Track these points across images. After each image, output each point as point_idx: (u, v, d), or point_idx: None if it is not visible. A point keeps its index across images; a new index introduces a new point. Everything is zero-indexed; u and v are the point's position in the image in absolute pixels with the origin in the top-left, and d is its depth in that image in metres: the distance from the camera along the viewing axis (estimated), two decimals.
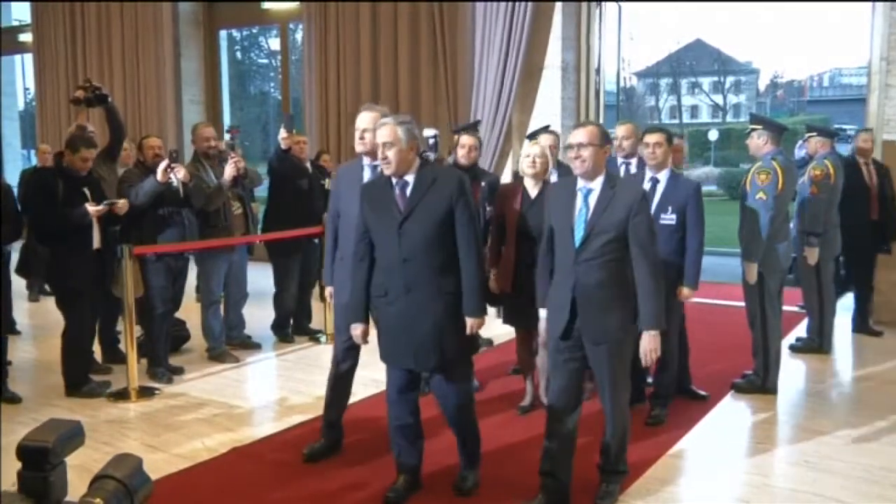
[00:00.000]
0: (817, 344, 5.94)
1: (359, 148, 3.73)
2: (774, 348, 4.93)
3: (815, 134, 6.24)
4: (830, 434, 4.38)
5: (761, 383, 4.95)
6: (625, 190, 3.25)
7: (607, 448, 3.46)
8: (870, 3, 7.00)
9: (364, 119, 3.68)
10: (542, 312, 3.50)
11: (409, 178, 3.29)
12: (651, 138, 4.38)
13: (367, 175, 3.71)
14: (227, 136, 5.76)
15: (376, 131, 3.28)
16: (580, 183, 3.28)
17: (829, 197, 5.77)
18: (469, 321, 3.30)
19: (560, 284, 3.30)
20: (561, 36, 7.88)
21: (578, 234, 3.21)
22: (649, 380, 4.70)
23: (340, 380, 4.04)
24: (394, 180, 3.30)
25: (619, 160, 5.12)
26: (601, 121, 8.38)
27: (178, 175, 5.22)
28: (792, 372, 5.45)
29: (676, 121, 46.41)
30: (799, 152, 6.85)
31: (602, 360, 3.25)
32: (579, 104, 8.12)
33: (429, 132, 5.39)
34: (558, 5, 7.84)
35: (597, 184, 3.24)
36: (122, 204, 5.04)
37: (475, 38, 7.98)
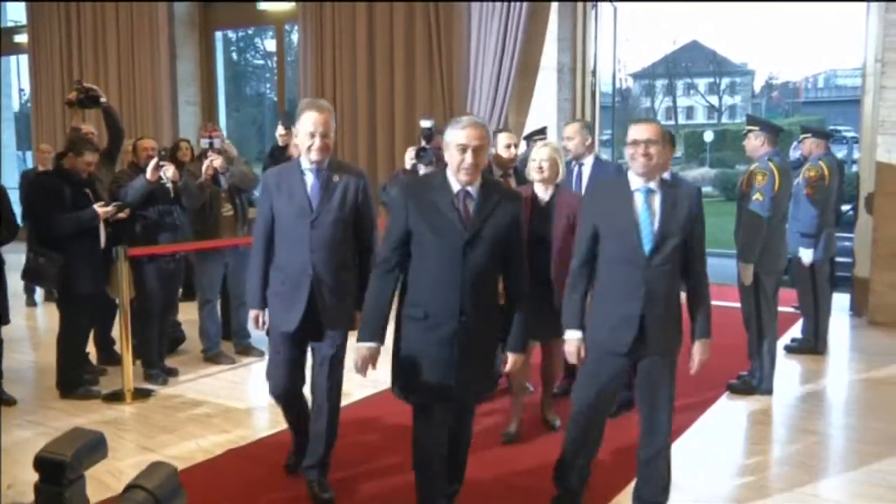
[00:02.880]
0: (812, 345, 5.95)
1: (307, 150, 3.33)
2: (770, 350, 4.94)
3: (809, 135, 6.26)
4: (826, 435, 4.38)
5: (757, 384, 4.96)
6: (680, 189, 3.12)
7: (656, 472, 3.21)
8: (864, 5, 7.01)
9: (317, 120, 3.29)
10: (573, 334, 3.18)
11: (472, 189, 2.91)
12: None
13: (309, 180, 3.36)
14: (204, 139, 5.68)
15: (466, 131, 2.84)
16: (638, 182, 3.06)
17: (823, 198, 5.78)
18: (512, 357, 3.06)
19: (621, 296, 3.02)
20: (557, 37, 7.89)
21: (647, 238, 2.99)
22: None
23: (291, 404, 3.70)
24: (455, 189, 2.90)
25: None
26: (597, 122, 8.39)
27: (168, 174, 5.21)
28: (787, 373, 5.45)
29: (672, 122, 46.47)
30: (794, 153, 6.87)
31: (663, 373, 3.09)
32: (575, 105, 8.12)
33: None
34: (554, 6, 7.85)
35: (655, 184, 3.05)
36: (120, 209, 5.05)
37: (470, 38, 7.98)
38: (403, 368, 2.98)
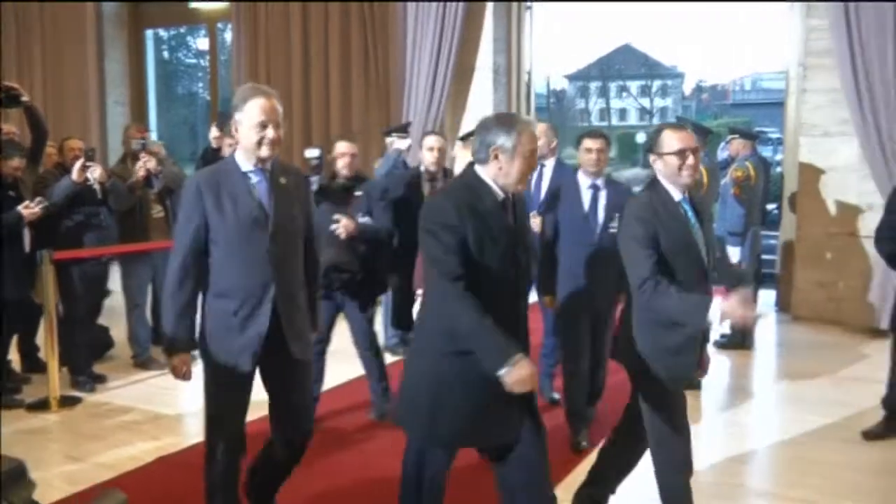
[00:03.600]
0: (740, 340, 6.11)
1: (257, 144, 2.78)
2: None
3: (736, 136, 6.45)
4: (753, 427, 4.51)
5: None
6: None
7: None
8: (788, 11, 7.23)
9: (267, 107, 2.77)
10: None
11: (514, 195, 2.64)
12: (595, 143, 4.17)
13: (255, 181, 2.83)
14: (135, 140, 5.54)
15: (528, 134, 2.52)
16: (680, 194, 2.92)
17: (749, 197, 5.94)
18: None
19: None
20: (493, 38, 7.94)
21: (704, 254, 2.91)
22: (556, 396, 4.78)
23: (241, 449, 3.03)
24: (500, 196, 2.56)
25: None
26: None
27: (95, 174, 5.08)
28: (716, 367, 5.58)
29: (606, 123, 47.24)
30: (721, 154, 7.06)
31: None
32: (510, 106, 8.19)
33: (311, 153, 4.80)
34: (489, 6, 7.90)
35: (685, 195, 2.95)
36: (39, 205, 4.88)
37: (406, 39, 7.98)
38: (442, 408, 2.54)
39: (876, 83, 6.36)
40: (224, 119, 5.79)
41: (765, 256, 7.12)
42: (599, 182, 4.21)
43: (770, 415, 4.81)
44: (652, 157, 2.95)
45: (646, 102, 52.20)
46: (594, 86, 52.08)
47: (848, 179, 6.68)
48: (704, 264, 2.90)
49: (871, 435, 4.25)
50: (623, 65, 51.52)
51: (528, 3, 8.28)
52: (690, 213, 2.93)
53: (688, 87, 55.30)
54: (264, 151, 2.79)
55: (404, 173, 5.22)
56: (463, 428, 2.55)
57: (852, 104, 6.41)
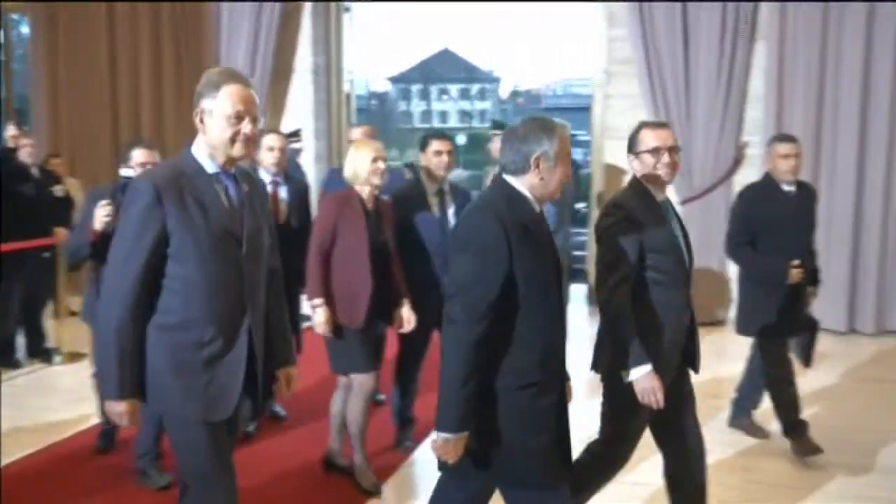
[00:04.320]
0: None
1: (230, 141, 2.33)
2: None
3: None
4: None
5: None
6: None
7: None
8: (594, 20, 7.65)
9: (245, 97, 2.34)
10: (642, 370, 2.72)
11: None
12: (444, 146, 4.04)
13: (225, 185, 2.39)
14: None
15: (566, 138, 2.39)
16: (662, 194, 2.91)
17: (562, 197, 6.22)
18: None
19: (674, 327, 2.85)
20: (311, 39, 7.86)
21: (686, 257, 2.90)
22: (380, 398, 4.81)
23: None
24: (537, 209, 2.40)
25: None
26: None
27: None
28: None
29: (427, 125, 48.05)
30: None
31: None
32: (330, 108, 8.14)
33: (126, 172, 3.81)
34: (307, 7, 7.81)
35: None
36: None
37: (220, 40, 7.73)
38: (504, 449, 2.31)
39: (669, 90, 6.93)
40: (22, 116, 5.38)
41: (576, 253, 7.54)
42: (445, 186, 4.13)
43: (581, 406, 5.07)
44: (630, 157, 2.92)
45: (465, 105, 53.60)
46: (416, 88, 52.87)
47: None
48: (683, 274, 2.88)
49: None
50: (443, 68, 52.68)
51: (347, 4, 8.27)
52: (674, 216, 2.92)
53: (505, 91, 57.37)
54: (238, 150, 2.34)
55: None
56: (543, 466, 2.33)
57: (650, 109, 6.93)
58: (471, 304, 2.21)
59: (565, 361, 2.48)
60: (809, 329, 4.17)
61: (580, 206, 8.14)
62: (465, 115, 52.75)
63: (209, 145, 2.35)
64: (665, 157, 2.81)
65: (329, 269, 3.66)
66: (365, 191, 3.70)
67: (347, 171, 3.74)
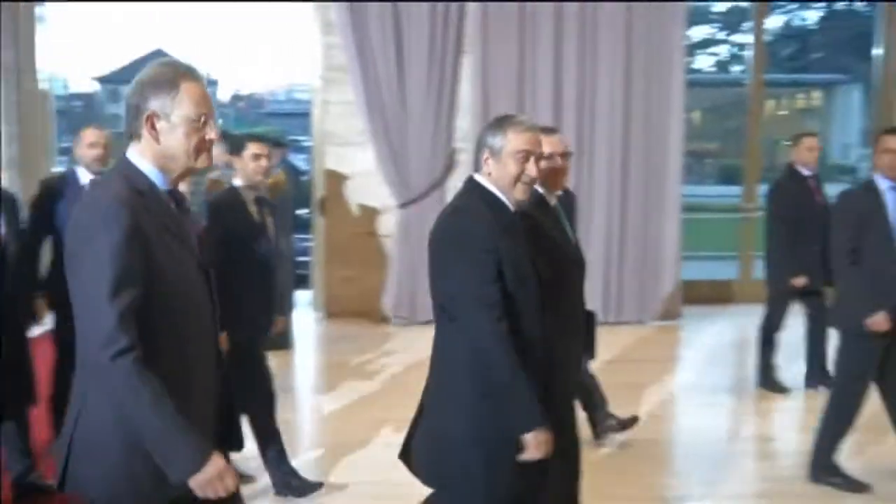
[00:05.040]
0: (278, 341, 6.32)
1: (194, 151, 1.92)
2: None
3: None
4: (295, 421, 4.76)
5: None
6: None
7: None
8: (313, 27, 7.66)
9: (206, 98, 1.99)
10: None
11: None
12: (262, 149, 3.78)
13: (185, 207, 2.02)
14: None
15: (518, 132, 2.36)
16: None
17: (282, 204, 6.21)
18: None
19: None
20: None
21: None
22: None
23: None
24: (511, 209, 2.41)
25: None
26: (52, 127, 7.82)
27: None
28: None
29: None
30: None
31: None
32: (21, 107, 7.35)
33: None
34: None
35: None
36: None
37: None
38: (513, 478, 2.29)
39: (386, 97, 7.13)
40: None
41: (301, 259, 7.55)
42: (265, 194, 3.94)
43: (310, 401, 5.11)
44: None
45: None
46: (126, 89, 49.77)
47: (367, 184, 7.37)
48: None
49: None
50: None
51: (40, 3, 7.57)
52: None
53: (226, 95, 55.75)
54: (203, 161, 1.93)
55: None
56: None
57: (365, 116, 7.11)
58: (489, 306, 2.20)
59: (556, 352, 2.41)
60: None
61: (303, 211, 8.16)
62: None
63: (163, 156, 1.91)
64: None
65: None
66: None
67: None
